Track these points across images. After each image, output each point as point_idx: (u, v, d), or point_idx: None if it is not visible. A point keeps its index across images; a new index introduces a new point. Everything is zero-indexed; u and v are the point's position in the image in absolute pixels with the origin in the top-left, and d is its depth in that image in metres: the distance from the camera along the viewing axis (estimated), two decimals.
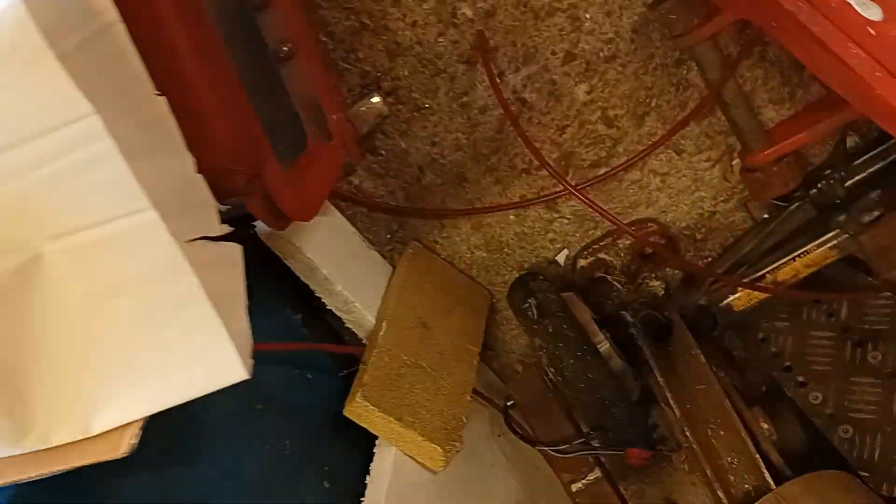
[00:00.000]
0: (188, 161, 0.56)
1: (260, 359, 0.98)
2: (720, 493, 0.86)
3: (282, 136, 1.02)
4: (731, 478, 0.88)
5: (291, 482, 0.90)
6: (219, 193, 0.64)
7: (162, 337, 0.52)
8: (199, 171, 0.59)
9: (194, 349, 0.53)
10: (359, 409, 0.95)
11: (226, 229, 0.60)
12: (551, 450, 1.05)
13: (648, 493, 1.35)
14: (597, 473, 1.05)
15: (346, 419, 0.96)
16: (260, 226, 1.08)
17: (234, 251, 0.61)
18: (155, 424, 0.75)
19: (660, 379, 0.97)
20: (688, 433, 0.92)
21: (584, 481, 1.05)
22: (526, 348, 1.32)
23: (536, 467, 1.25)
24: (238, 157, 0.64)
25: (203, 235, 0.59)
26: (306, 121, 1.00)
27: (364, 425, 0.96)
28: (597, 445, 1.05)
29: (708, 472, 0.88)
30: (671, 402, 0.95)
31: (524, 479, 1.19)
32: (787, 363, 1.09)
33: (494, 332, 1.33)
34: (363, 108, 1.10)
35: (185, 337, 0.52)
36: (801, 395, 1.07)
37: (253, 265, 1.11)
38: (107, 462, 0.68)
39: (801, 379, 1.08)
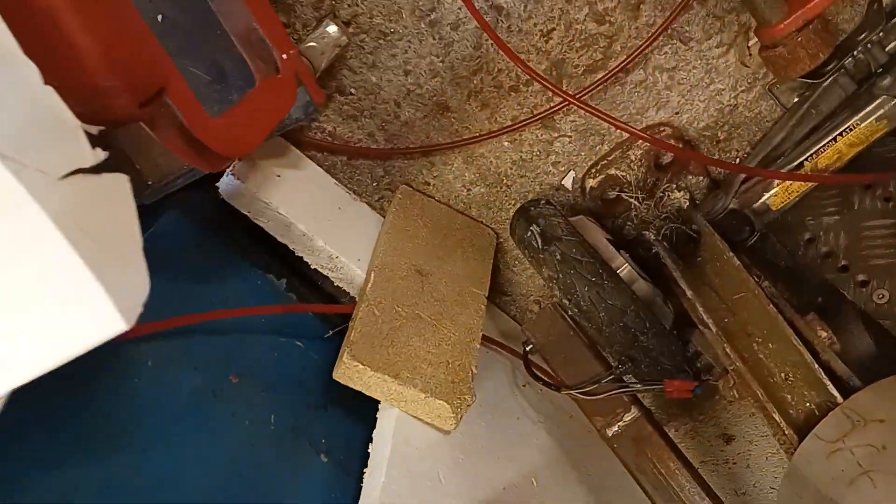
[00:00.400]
0: (28, 70, 0.44)
1: (232, 328, 0.88)
2: (777, 417, 0.72)
3: (223, 74, 0.91)
4: (789, 397, 0.74)
5: (279, 459, 0.79)
6: (99, 118, 0.53)
7: (13, 289, 0.41)
8: (65, 91, 0.47)
9: (56, 300, 0.41)
10: (349, 371, 0.83)
11: (100, 156, 0.48)
12: (578, 392, 0.93)
13: (703, 432, 1.22)
14: (634, 413, 0.92)
15: (345, 388, 0.85)
16: (223, 186, 0.97)
17: (118, 183, 0.49)
18: (91, 410, 0.65)
19: (688, 293, 0.83)
20: (729, 351, 0.78)
21: (620, 423, 0.92)
22: (543, 288, 1.19)
23: (571, 416, 1.13)
24: (117, 73, 0.52)
25: (78, 168, 0.48)
26: (250, 57, 0.89)
27: (359, 389, 0.85)
28: (629, 381, 0.92)
29: (759, 393, 0.74)
30: (705, 318, 0.81)
31: (557, 430, 1.07)
32: (843, 262, 0.94)
33: (507, 274, 1.20)
34: (318, 40, 0.98)
35: (42, 286, 0.41)
36: (863, 296, 0.92)
37: (223, 230, 1.01)
38: (32, 453, 0.59)
39: (861, 278, 0.93)
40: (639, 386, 0.92)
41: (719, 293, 0.81)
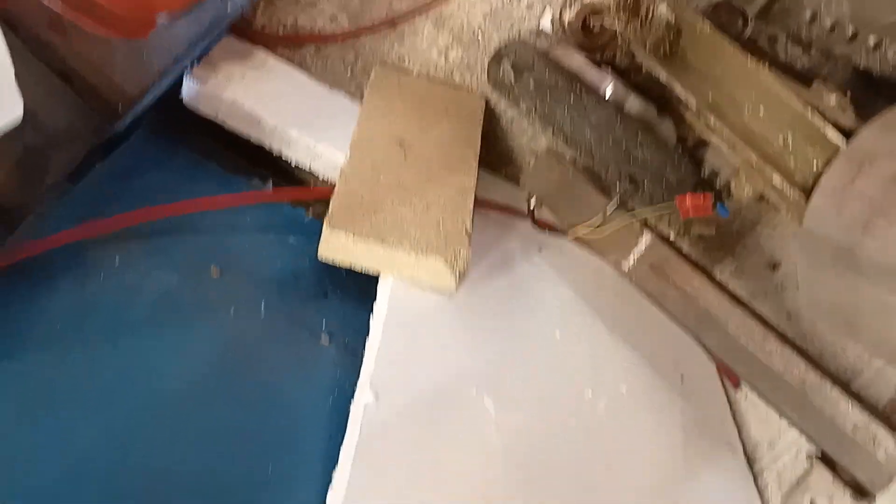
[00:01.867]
0: None
1: (212, 226, 0.86)
2: (777, 178, 0.64)
3: None
4: (791, 160, 0.66)
5: (273, 346, 0.77)
6: None
7: None
8: None
9: None
10: (332, 244, 0.80)
11: None
12: (583, 229, 0.86)
13: (748, 267, 1.13)
14: (648, 239, 0.85)
15: (347, 274, 0.82)
16: (185, 93, 0.95)
17: None
18: (48, 314, 0.64)
19: (662, 74, 0.74)
20: (714, 122, 0.69)
21: (635, 254, 0.86)
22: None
23: (599, 272, 1.06)
24: None
25: None
26: None
27: (348, 263, 0.82)
28: (637, 206, 0.85)
29: (754, 159, 0.65)
30: (684, 95, 0.72)
31: (584, 287, 1.01)
32: (851, 30, 0.84)
33: (507, 142, 1.13)
34: None
35: None
36: (879, 58, 0.81)
37: (199, 143, 0.99)
38: None
39: (872, 41, 0.82)
40: (648, 210, 0.85)
41: (701, 70, 0.72)
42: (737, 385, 1.02)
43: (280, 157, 0.99)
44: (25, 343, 0.60)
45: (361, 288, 0.88)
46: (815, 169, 0.63)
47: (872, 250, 0.54)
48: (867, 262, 0.55)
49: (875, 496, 0.70)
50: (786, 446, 0.90)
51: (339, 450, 0.64)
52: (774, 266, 1.09)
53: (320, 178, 1.01)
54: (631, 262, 0.86)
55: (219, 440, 0.64)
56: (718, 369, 1.02)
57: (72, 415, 0.58)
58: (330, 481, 0.62)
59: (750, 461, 0.93)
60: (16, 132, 0.58)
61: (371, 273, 0.83)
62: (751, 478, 0.89)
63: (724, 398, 0.98)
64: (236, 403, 0.69)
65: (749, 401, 1.00)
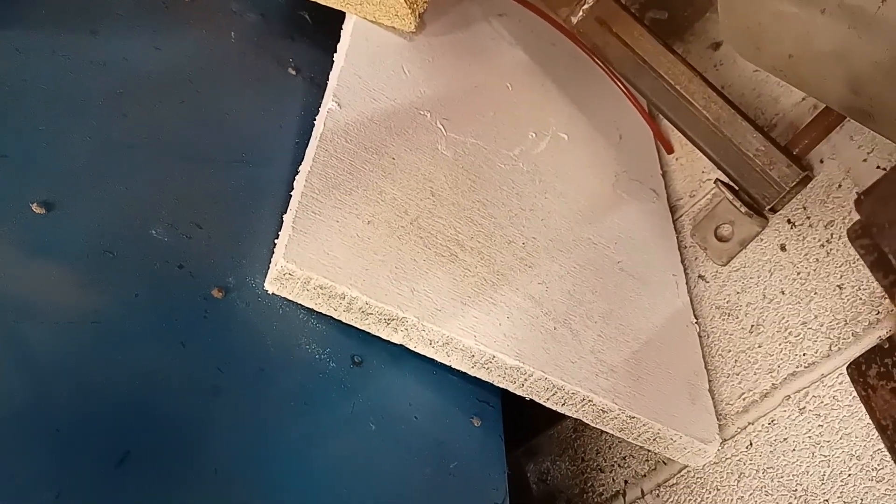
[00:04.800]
0: None
1: None
2: None
3: None
4: None
5: (243, 66, 0.84)
6: None
7: None
8: None
9: None
10: None
11: None
12: None
13: (694, 49, 1.20)
14: None
15: (314, 26, 0.88)
16: None
17: None
18: None
19: None
20: None
21: (584, 7, 0.92)
22: None
23: (553, 44, 1.13)
24: None
25: None
26: None
27: None
28: None
29: None
30: None
31: (537, 53, 1.08)
32: None
33: None
34: None
35: None
36: None
37: None
38: None
39: None
40: None
41: None
42: (670, 151, 1.12)
43: None
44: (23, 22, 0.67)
45: (326, 40, 0.94)
46: None
47: None
48: None
49: (765, 210, 0.82)
50: (704, 193, 1.01)
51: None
52: (717, 46, 1.17)
53: None
54: (580, 16, 0.93)
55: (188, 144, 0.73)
56: (654, 136, 1.12)
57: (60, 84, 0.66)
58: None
59: (672, 210, 1.05)
60: None
61: (333, 7, 0.89)
62: (670, 218, 1.01)
63: (656, 158, 1.09)
64: (208, 109, 0.77)
65: (678, 163, 1.11)
